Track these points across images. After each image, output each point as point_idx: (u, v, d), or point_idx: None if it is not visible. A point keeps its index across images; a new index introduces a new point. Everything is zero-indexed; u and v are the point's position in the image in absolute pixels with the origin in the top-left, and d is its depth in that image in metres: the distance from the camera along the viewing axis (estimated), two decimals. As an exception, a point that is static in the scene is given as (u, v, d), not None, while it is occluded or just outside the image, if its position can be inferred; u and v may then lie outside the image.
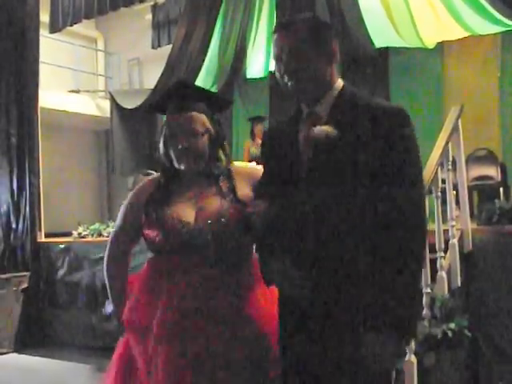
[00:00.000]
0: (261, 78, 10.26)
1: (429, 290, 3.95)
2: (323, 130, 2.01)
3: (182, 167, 2.40)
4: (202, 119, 2.39)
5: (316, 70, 2.06)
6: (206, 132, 2.41)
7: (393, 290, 1.89)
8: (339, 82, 2.13)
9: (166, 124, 2.44)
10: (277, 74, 2.12)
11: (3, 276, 7.40)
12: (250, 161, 8.50)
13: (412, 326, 1.99)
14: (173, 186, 2.45)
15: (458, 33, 8.25)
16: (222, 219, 2.31)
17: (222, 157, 2.47)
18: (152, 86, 10.47)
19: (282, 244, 2.07)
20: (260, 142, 8.75)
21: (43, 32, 9.37)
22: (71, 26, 10.87)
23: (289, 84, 2.08)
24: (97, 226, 7.71)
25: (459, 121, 4.76)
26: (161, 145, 2.47)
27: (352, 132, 1.99)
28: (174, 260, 2.32)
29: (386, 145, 1.98)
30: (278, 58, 2.10)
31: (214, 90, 10.37)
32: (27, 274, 7.62)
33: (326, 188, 2.00)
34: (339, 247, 1.98)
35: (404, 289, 1.91)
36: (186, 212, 2.35)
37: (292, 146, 2.12)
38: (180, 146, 2.37)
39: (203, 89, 2.59)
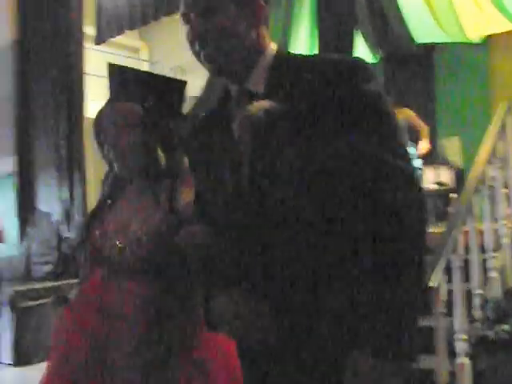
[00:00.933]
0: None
1: (480, 291, 3.88)
2: (260, 106, 1.44)
3: (115, 170, 2.04)
4: (129, 109, 1.99)
5: (238, 34, 1.52)
6: (138, 125, 1.98)
7: (391, 309, 1.38)
8: (272, 47, 1.58)
9: None
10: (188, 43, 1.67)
11: (56, 284, 7.54)
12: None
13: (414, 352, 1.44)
14: (115, 194, 2.09)
15: (503, 25, 8.08)
16: (144, 237, 1.89)
17: (161, 154, 2.00)
18: (196, 94, 10.55)
19: (227, 273, 1.52)
20: None
21: (88, 44, 9.54)
22: (115, 37, 11.07)
23: (202, 54, 1.60)
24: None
25: (508, 117, 4.67)
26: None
27: (301, 103, 1.42)
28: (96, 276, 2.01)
29: (351, 112, 1.41)
30: (185, 19, 1.64)
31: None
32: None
33: (281, 189, 1.43)
34: (312, 268, 1.42)
35: (404, 307, 1.41)
36: (110, 230, 1.99)
37: (225, 140, 1.55)
38: (106, 144, 2.04)
39: (137, 71, 2.22)
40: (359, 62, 1.52)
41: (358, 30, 9.22)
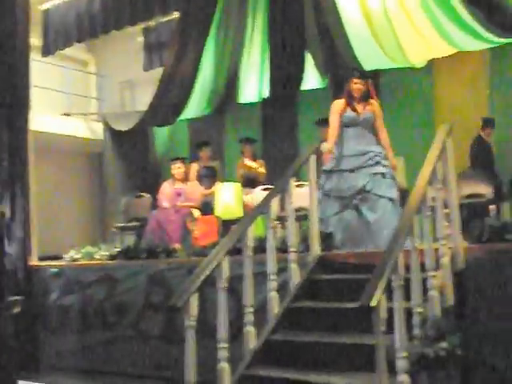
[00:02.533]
0: (253, 103, 10.31)
1: (420, 310, 3.94)
2: None
3: None
4: None
5: None
6: None
7: None
8: None
9: None
10: None
11: (-5, 301, 7.35)
12: (242, 182, 8.52)
13: None
14: None
15: (445, 50, 8.32)
16: None
17: None
18: (144, 108, 10.50)
19: None
20: (248, 162, 8.78)
21: (34, 56, 9.38)
22: (63, 49, 10.94)
23: None
24: (88, 249, 7.67)
25: (449, 138, 4.78)
26: None
27: None
28: None
29: None
30: None
31: (207, 112, 10.43)
32: (20, 298, 7.56)
33: None
34: None
35: None
36: None
37: None
38: None
39: None
40: None
41: (307, 54, 9.37)
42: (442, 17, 8.06)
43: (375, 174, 6.18)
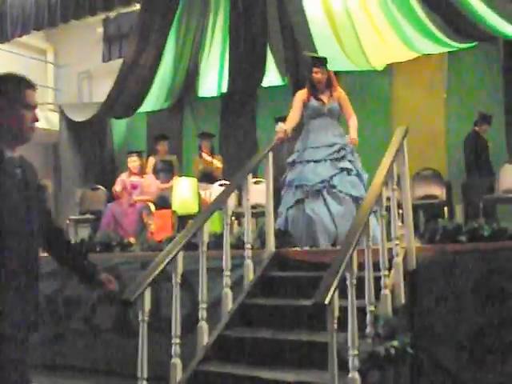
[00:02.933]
0: (213, 98, 10.30)
1: (372, 308, 3.99)
2: None
3: None
4: None
5: None
6: None
7: None
8: None
9: None
10: None
11: None
12: (199, 177, 8.50)
13: None
14: None
15: (406, 55, 8.44)
16: None
17: None
18: (102, 100, 10.38)
19: None
20: (206, 157, 8.57)
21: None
22: (20, 36, 10.74)
23: None
24: (42, 241, 7.54)
25: (404, 141, 4.84)
26: None
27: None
28: None
29: None
30: None
31: (166, 106, 10.38)
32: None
33: None
34: None
35: None
36: None
37: None
38: None
39: None
40: None
41: (269, 51, 9.38)
42: (403, 20, 8.17)
43: (342, 169, 5.97)
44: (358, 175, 6.05)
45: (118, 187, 8.47)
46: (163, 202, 8.16)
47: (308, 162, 6.06)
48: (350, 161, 6.04)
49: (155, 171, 8.90)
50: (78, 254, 3.03)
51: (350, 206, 5.85)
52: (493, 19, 7.58)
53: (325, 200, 5.88)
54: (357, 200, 5.86)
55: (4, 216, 2.44)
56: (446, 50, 8.22)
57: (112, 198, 8.71)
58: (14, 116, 2.59)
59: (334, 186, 5.89)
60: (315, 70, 6.29)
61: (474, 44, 8.05)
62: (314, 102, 6.25)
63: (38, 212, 2.64)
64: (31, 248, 2.59)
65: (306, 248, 5.70)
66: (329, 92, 6.31)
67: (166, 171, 8.89)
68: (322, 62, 6.37)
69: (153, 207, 8.08)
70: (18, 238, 2.50)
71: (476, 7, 7.58)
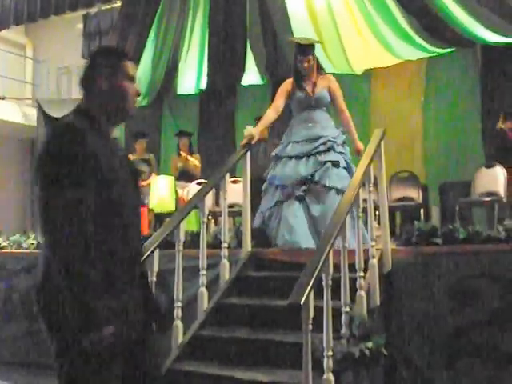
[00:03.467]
0: (191, 95, 10.28)
1: (348, 309, 4.00)
2: None
3: None
4: None
5: None
6: None
7: None
8: None
9: None
10: None
11: None
12: (177, 175, 8.47)
13: None
14: None
15: (387, 60, 8.49)
16: None
17: None
18: (80, 96, 10.30)
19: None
20: (185, 156, 8.28)
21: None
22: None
23: None
24: (17, 237, 7.49)
25: (382, 143, 4.87)
26: None
27: None
28: None
29: None
30: None
31: (144, 103, 10.34)
32: None
33: None
34: None
35: None
36: None
37: None
38: None
39: None
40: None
41: (249, 50, 9.39)
42: (383, 25, 8.22)
43: (325, 162, 5.49)
44: (347, 168, 5.58)
45: None
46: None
47: (290, 157, 5.64)
48: (340, 152, 5.59)
49: (133, 169, 8.85)
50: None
51: (335, 201, 5.18)
52: (472, 25, 7.65)
53: (305, 203, 5.50)
54: (342, 193, 5.20)
55: (124, 204, 2.30)
56: (426, 55, 8.28)
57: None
58: (118, 87, 2.40)
59: (316, 182, 5.46)
60: (300, 58, 5.70)
61: (452, 50, 8.12)
62: (299, 94, 5.72)
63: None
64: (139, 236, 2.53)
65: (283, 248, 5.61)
66: (317, 79, 5.74)
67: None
68: (309, 49, 5.74)
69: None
70: (135, 226, 2.43)
71: (455, 13, 7.65)
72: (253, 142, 5.52)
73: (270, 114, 5.76)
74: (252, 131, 5.61)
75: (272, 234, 5.58)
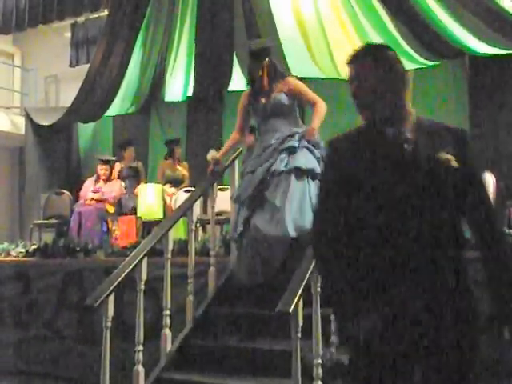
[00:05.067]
0: (179, 102, 10.28)
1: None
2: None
3: None
4: None
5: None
6: None
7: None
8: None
9: None
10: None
11: None
12: (164, 182, 8.47)
13: None
14: None
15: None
16: None
17: None
18: (68, 104, 10.29)
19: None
20: (178, 165, 8.00)
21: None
22: (-14, 39, 10.63)
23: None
24: (5, 245, 7.45)
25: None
26: None
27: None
28: None
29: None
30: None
31: (131, 110, 10.33)
32: None
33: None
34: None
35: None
36: None
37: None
38: None
39: None
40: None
41: (236, 57, 9.40)
42: (371, 30, 8.24)
43: (282, 150, 4.97)
44: (310, 150, 5.01)
45: (90, 194, 8.42)
46: (121, 208, 8.18)
47: (247, 173, 5.14)
48: (298, 139, 5.03)
49: (121, 177, 8.85)
50: None
51: (290, 180, 4.85)
52: (461, 35, 7.68)
53: (264, 206, 4.89)
54: (298, 173, 4.88)
55: None
56: (414, 66, 8.29)
57: (77, 201, 8.63)
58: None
59: (273, 174, 4.90)
60: (252, 66, 5.19)
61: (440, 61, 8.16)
62: (255, 105, 5.20)
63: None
64: None
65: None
66: (273, 85, 5.15)
67: (132, 178, 8.86)
68: (262, 54, 5.16)
69: (111, 209, 8.09)
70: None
71: (444, 22, 7.68)
72: (219, 167, 5.30)
73: (233, 136, 5.43)
74: (216, 155, 5.30)
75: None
